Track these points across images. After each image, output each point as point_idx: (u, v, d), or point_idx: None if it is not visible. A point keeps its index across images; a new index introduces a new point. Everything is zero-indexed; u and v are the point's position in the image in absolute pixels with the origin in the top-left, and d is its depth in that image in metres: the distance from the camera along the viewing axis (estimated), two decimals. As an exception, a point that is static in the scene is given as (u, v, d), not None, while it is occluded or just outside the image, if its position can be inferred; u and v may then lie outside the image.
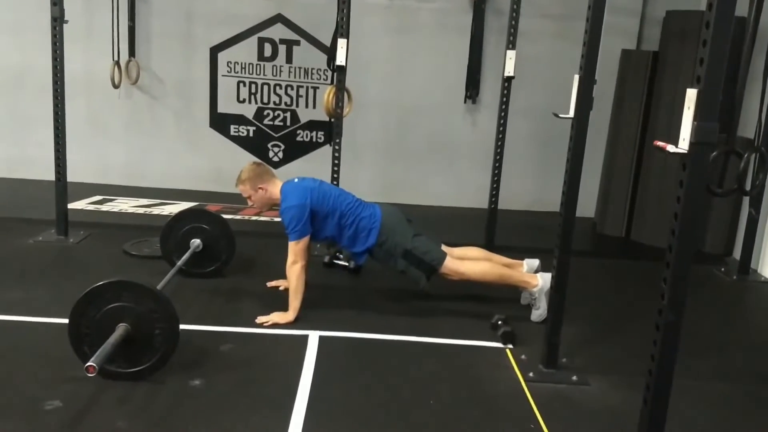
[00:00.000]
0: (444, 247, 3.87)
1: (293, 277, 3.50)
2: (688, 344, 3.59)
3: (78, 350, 2.77)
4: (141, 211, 5.65)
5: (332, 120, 4.69)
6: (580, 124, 2.92)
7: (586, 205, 6.32)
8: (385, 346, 3.36)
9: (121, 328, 2.74)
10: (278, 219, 5.56)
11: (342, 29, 4.46)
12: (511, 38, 4.59)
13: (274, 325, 3.47)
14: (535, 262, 3.99)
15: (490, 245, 4.82)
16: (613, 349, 3.52)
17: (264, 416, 2.65)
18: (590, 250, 5.61)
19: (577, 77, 2.93)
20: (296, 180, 3.78)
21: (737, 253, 5.33)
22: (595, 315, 3.95)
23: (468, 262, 3.80)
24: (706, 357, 3.48)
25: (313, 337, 3.37)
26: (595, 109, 6.36)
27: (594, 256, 5.32)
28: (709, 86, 1.86)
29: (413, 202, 6.40)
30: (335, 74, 4.62)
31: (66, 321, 2.80)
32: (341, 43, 4.45)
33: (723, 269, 5.02)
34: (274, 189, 3.72)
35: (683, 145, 1.91)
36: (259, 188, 3.71)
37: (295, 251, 3.52)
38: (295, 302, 3.51)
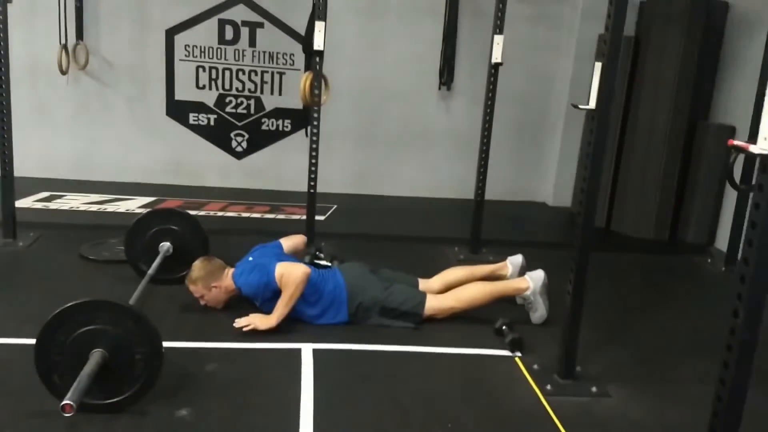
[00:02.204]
0: (421, 282, 3.60)
1: (291, 284, 3.16)
2: (693, 344, 3.50)
3: (47, 380, 2.40)
4: (94, 208, 5.20)
5: (306, 107, 4.35)
6: (601, 115, 2.68)
7: (564, 194, 6.18)
8: (386, 359, 3.08)
9: (96, 355, 2.38)
10: (254, 215, 5.27)
11: (319, 11, 4.12)
12: (498, 22, 4.32)
13: (257, 333, 3.15)
14: (518, 259, 3.78)
15: (477, 240, 4.58)
16: (622, 353, 3.33)
17: (266, 450, 2.35)
18: (569, 242, 5.41)
19: (598, 65, 2.68)
20: (250, 258, 3.45)
21: (719, 243, 5.27)
22: (593, 314, 3.71)
23: (451, 293, 3.50)
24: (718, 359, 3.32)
25: (306, 350, 3.06)
26: (571, 95, 6.22)
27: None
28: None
29: (385, 193, 6.16)
30: (311, 59, 4.28)
31: (26, 341, 2.48)
32: (319, 26, 4.11)
33: (709, 260, 4.93)
34: (228, 281, 3.36)
35: (765, 144, 1.68)
36: (213, 287, 3.34)
37: (284, 272, 3.19)
38: (283, 310, 3.17)
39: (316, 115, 4.23)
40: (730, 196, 5.09)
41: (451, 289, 3.56)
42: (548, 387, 2.86)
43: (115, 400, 2.45)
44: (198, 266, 3.36)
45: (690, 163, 5.35)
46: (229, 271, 3.38)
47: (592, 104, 2.71)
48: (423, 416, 2.62)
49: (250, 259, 3.44)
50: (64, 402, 2.11)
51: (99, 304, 2.43)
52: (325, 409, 2.60)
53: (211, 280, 3.33)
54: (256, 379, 2.82)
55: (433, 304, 3.41)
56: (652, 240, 5.41)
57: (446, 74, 5.92)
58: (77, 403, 2.14)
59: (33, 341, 2.40)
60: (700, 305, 4.16)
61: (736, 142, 1.72)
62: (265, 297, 3.26)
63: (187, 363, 2.87)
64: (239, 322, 3.18)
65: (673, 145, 5.28)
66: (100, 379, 2.37)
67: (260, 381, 2.80)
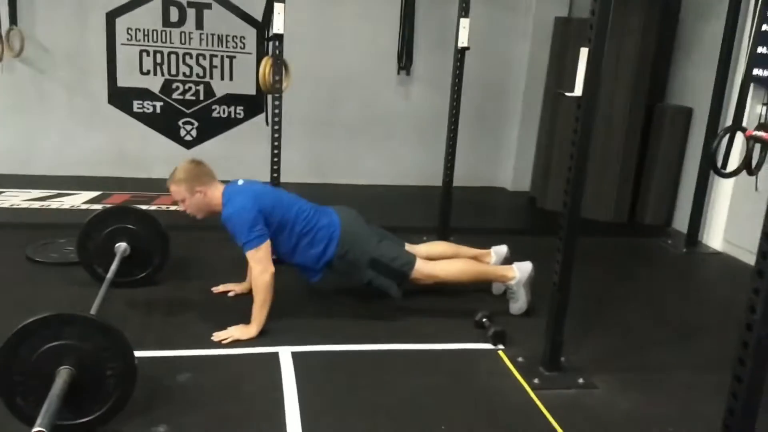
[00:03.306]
0: (408, 247, 3.52)
1: (262, 289, 3.00)
2: (669, 329, 3.51)
3: (9, 404, 2.19)
4: (36, 205, 4.87)
5: (262, 93, 4.15)
6: (588, 104, 2.61)
7: (523, 179, 6.16)
8: (368, 359, 2.96)
9: (63, 373, 2.18)
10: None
11: (278, -8, 3.91)
12: (464, 5, 4.21)
13: (235, 342, 2.98)
14: (503, 250, 3.73)
15: (445, 228, 4.50)
16: (602, 341, 3.30)
17: (255, 466, 2.20)
18: (533, 227, 5.44)
19: (584, 51, 2.61)
20: (241, 182, 3.25)
21: (677, 224, 5.34)
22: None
23: (441, 262, 3.43)
24: (695, 343, 3.35)
25: (285, 354, 2.92)
26: (529, 79, 6.17)
27: (538, 234, 5.04)
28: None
29: (344, 181, 6.01)
30: (269, 44, 4.09)
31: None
32: (278, 8, 3.91)
33: (669, 241, 4.99)
34: (215, 193, 3.16)
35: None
36: (197, 191, 3.13)
37: (259, 259, 3.01)
38: (261, 316, 3.02)
39: (277, 102, 4.04)
40: (688, 178, 5.16)
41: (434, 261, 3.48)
42: (536, 380, 2.81)
43: (85, 419, 2.26)
44: (184, 167, 3.16)
45: (648, 144, 5.40)
46: (221, 187, 3.18)
47: (578, 92, 2.64)
48: (414, 418, 2.52)
49: (240, 183, 3.24)
50: (36, 429, 1.91)
51: (65, 317, 2.22)
52: (311, 417, 2.47)
53: (197, 184, 3.12)
54: (233, 388, 2.65)
55: (421, 267, 3.33)
56: (611, 222, 5.44)
57: (405, 58, 5.78)
58: (50, 428, 1.94)
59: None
60: (668, 289, 4.19)
61: (755, 133, 1.67)
62: None
63: (157, 374, 2.68)
64: (218, 336, 3.00)
65: (632, 127, 5.30)
66: (68, 397, 2.17)
67: (238, 390, 2.64)
